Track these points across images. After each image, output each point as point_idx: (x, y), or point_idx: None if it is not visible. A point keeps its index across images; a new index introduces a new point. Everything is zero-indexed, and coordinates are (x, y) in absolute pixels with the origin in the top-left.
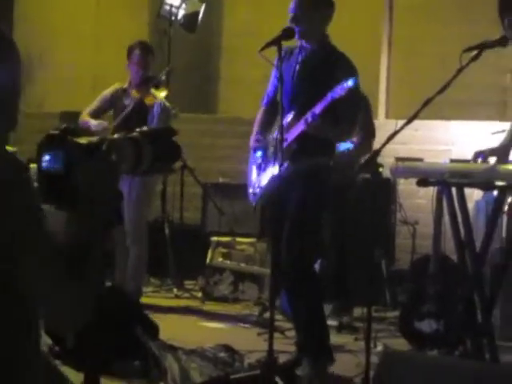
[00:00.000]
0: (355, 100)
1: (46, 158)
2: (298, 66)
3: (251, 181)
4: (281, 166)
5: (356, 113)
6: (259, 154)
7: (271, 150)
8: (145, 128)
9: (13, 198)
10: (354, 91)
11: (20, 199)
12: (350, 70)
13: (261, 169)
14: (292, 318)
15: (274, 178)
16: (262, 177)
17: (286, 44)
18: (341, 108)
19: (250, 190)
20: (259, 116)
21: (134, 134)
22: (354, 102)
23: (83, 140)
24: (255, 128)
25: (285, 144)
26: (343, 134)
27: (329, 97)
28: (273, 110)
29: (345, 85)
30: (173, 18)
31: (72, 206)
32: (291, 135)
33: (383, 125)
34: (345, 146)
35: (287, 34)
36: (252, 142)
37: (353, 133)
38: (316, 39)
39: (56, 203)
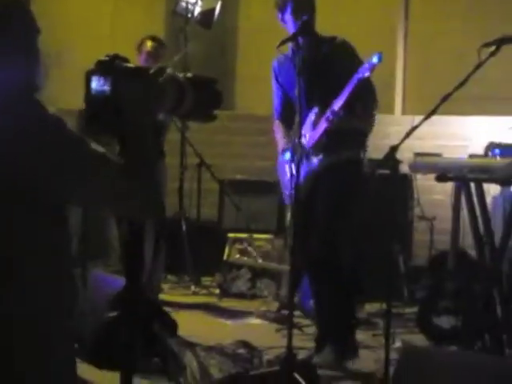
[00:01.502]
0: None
1: (95, 82)
2: (299, 65)
3: (285, 181)
4: (308, 161)
5: (374, 87)
6: (288, 155)
7: (298, 150)
8: (189, 74)
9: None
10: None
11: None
12: (351, 50)
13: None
14: (316, 310)
15: (305, 174)
16: (294, 177)
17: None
18: (362, 87)
19: (286, 191)
20: (278, 129)
21: (179, 77)
22: (369, 78)
23: (131, 65)
24: (280, 140)
25: (315, 139)
26: (369, 115)
27: (355, 79)
28: (287, 119)
29: (370, 63)
30: (189, 14)
31: (118, 129)
32: (319, 130)
33: (400, 120)
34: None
35: (304, 29)
36: (280, 146)
37: (373, 108)
38: (313, 34)
39: (103, 127)
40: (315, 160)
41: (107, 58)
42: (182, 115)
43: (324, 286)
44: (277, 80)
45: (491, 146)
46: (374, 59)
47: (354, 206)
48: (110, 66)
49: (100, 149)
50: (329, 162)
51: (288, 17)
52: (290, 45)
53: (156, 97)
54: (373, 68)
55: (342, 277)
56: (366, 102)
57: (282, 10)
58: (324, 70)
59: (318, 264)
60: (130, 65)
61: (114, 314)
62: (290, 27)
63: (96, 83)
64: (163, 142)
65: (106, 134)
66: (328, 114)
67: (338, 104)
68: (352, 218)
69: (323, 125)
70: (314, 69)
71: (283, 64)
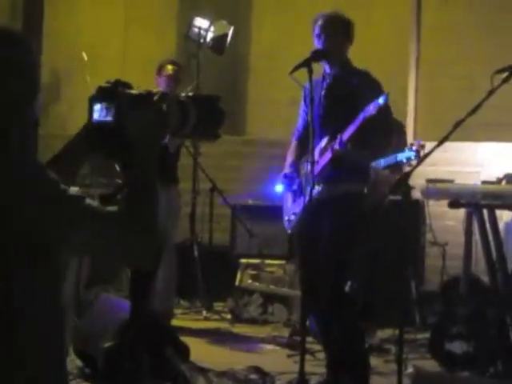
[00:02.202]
0: (388, 116)
1: (97, 110)
2: (323, 92)
3: (286, 207)
4: (312, 189)
5: (390, 128)
6: (280, 188)
7: (305, 176)
8: (191, 93)
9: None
10: (386, 108)
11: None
12: (377, 88)
13: (296, 195)
14: (325, 342)
15: (307, 202)
16: (296, 203)
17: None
18: (374, 126)
19: (286, 218)
20: (291, 148)
21: (181, 97)
22: (387, 119)
23: (134, 91)
24: (288, 158)
25: (319, 168)
26: (376, 153)
27: (361, 117)
28: (304, 144)
29: (376, 103)
30: (201, 40)
31: (121, 156)
32: (324, 160)
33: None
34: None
35: (317, 55)
36: (286, 169)
37: (388, 149)
38: (339, 63)
39: (106, 154)
40: (316, 189)
41: (109, 85)
42: (186, 136)
43: (329, 319)
44: (305, 101)
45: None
46: (381, 100)
47: (356, 238)
48: (112, 93)
49: (82, 198)
50: (330, 192)
51: (317, 43)
52: (323, 68)
53: (161, 123)
54: (379, 108)
55: (347, 308)
56: (380, 137)
57: (314, 37)
58: (345, 102)
59: (321, 299)
60: (134, 91)
61: (119, 339)
62: None
63: (99, 111)
64: (176, 168)
65: (110, 160)
66: (335, 144)
67: (345, 136)
68: (355, 249)
69: (328, 155)
70: (336, 98)
71: (315, 87)
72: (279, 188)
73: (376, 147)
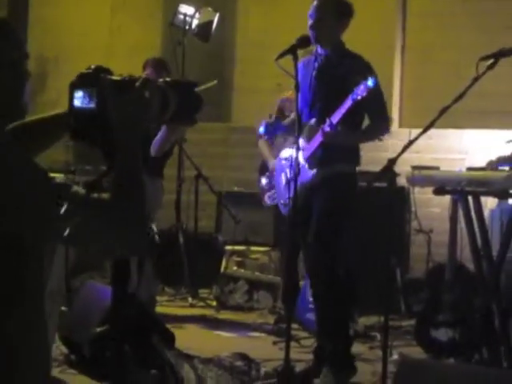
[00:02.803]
0: (379, 97)
1: (79, 96)
2: (314, 73)
3: (280, 190)
4: (296, 174)
5: (383, 109)
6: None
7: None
8: (168, 79)
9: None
10: (376, 90)
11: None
12: (367, 70)
13: (288, 178)
14: (316, 325)
15: (301, 185)
16: (289, 187)
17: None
18: (366, 108)
19: (281, 201)
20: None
21: (159, 83)
22: (378, 100)
23: (116, 77)
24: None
25: (310, 151)
26: (372, 134)
27: (349, 99)
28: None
29: (365, 85)
30: (187, 27)
31: (104, 143)
32: (314, 143)
33: (397, 133)
34: None
35: (302, 42)
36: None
37: (385, 129)
38: (332, 45)
39: (88, 140)
40: (309, 173)
41: (90, 71)
42: (166, 121)
43: (319, 300)
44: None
45: (499, 160)
46: (370, 82)
47: (347, 218)
48: (94, 79)
49: (62, 182)
50: (322, 175)
51: (308, 20)
52: (313, 50)
53: (143, 108)
54: (368, 90)
55: (337, 291)
56: (373, 122)
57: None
58: (335, 83)
59: (317, 274)
60: (115, 77)
61: (103, 327)
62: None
63: (80, 97)
64: (165, 163)
65: (93, 147)
66: (325, 126)
67: (335, 118)
68: (346, 230)
69: (318, 138)
70: (326, 80)
71: (306, 67)
72: (261, 129)
73: (371, 128)
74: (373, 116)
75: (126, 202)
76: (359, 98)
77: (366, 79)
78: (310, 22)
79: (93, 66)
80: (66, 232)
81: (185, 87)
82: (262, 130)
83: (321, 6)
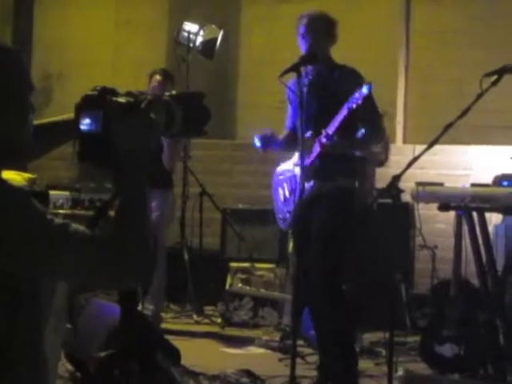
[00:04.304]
0: (372, 105)
1: (85, 119)
2: (306, 89)
3: (278, 206)
4: (302, 190)
5: (378, 116)
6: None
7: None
8: (174, 92)
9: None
10: (370, 97)
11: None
12: (359, 79)
13: (286, 193)
14: (317, 341)
15: (299, 199)
16: (288, 202)
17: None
18: (361, 117)
19: (280, 216)
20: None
21: (165, 97)
22: (372, 108)
23: (122, 99)
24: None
25: (308, 163)
26: (368, 142)
27: (345, 108)
28: (294, 136)
29: (360, 93)
30: (191, 44)
31: (110, 164)
32: (311, 155)
33: (401, 150)
34: None
35: (305, 60)
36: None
37: (380, 138)
38: (322, 61)
39: (95, 162)
40: (306, 185)
41: (96, 93)
42: (172, 135)
43: (321, 315)
44: (289, 99)
45: (500, 178)
46: (364, 89)
47: (346, 235)
48: (99, 102)
49: (60, 222)
50: (321, 188)
51: (301, 42)
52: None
53: (149, 130)
54: (363, 98)
55: (339, 306)
56: (368, 130)
57: (297, 33)
58: (328, 95)
59: (314, 292)
60: (121, 99)
61: (111, 348)
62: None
63: (86, 120)
64: (172, 172)
65: (99, 168)
66: (321, 137)
67: (331, 128)
68: (347, 247)
69: (316, 149)
70: (318, 93)
71: (297, 84)
72: (257, 143)
73: (367, 136)
74: (368, 125)
75: (129, 234)
76: (354, 106)
77: (360, 86)
78: (300, 39)
79: (98, 88)
80: (67, 271)
81: (191, 99)
82: (257, 143)
83: (313, 24)
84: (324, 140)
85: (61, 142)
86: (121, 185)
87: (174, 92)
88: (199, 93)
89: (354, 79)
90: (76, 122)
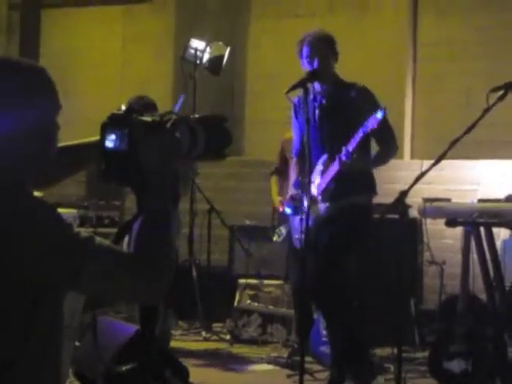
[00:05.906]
0: (386, 126)
1: (111, 138)
2: (317, 111)
3: (294, 226)
4: (309, 208)
5: (392, 134)
6: (288, 210)
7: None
8: (197, 115)
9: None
10: (385, 121)
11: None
12: (374, 102)
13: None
14: (330, 342)
15: (313, 221)
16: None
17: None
18: (375, 135)
19: (296, 236)
20: (292, 165)
21: (190, 121)
22: (386, 128)
23: (147, 118)
24: (292, 176)
25: (323, 185)
26: (384, 159)
27: (360, 132)
28: (304, 157)
29: (375, 118)
30: (198, 61)
31: (134, 183)
32: (328, 176)
33: (408, 165)
34: None
35: (312, 76)
36: (290, 190)
37: (394, 154)
38: (330, 80)
39: (119, 181)
40: (322, 207)
41: (121, 112)
42: (195, 158)
43: (330, 320)
44: (296, 117)
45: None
46: (379, 115)
47: (358, 249)
48: (125, 121)
49: (87, 236)
50: (336, 207)
51: (304, 61)
52: (312, 87)
53: (174, 150)
54: (378, 123)
55: (349, 311)
56: (384, 148)
57: (299, 55)
58: (343, 116)
59: (321, 300)
60: (146, 118)
61: (126, 365)
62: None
63: (111, 138)
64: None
65: (123, 186)
66: (341, 155)
67: (351, 147)
68: (359, 259)
69: (334, 168)
70: (333, 114)
71: (303, 106)
72: (288, 210)
73: (381, 154)
74: (382, 143)
75: (153, 250)
76: (369, 131)
77: (373, 109)
78: (304, 60)
79: (123, 107)
80: (90, 285)
81: (213, 122)
82: (288, 211)
83: (318, 45)
84: (344, 158)
85: (81, 167)
86: (145, 203)
87: (196, 115)
88: (222, 116)
89: (371, 102)
90: (101, 140)
